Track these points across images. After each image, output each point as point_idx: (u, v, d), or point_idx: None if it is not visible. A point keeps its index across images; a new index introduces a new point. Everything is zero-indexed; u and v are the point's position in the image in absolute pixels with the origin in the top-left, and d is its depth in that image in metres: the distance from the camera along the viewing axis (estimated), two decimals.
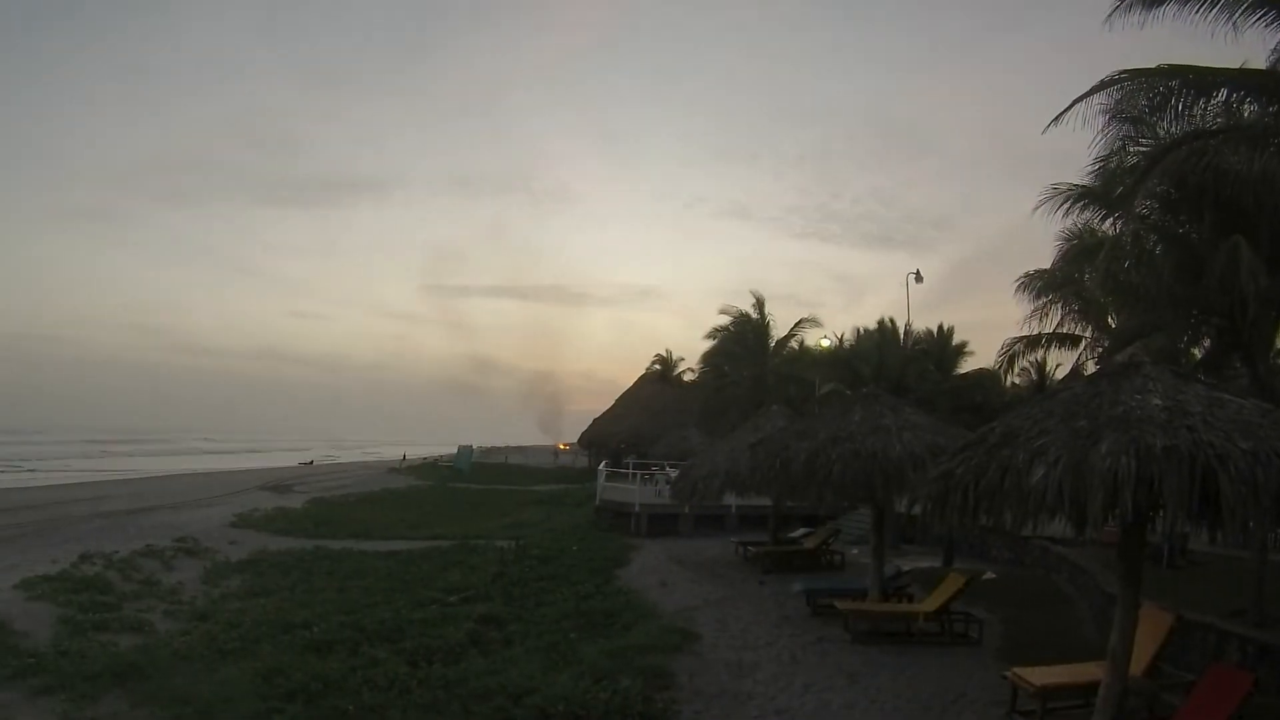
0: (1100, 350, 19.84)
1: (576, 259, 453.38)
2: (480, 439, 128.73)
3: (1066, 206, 17.79)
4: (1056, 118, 13.20)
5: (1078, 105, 13.11)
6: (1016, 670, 9.98)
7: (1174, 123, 13.52)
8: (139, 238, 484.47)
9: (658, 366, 68.79)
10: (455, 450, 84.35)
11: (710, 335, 47.72)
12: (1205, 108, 13.38)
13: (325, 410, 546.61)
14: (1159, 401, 7.59)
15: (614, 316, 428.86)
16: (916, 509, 11.85)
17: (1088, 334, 21.24)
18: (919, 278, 37.68)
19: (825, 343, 43.29)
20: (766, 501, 23.25)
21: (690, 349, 65.53)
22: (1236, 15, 12.62)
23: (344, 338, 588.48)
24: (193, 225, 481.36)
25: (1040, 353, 23.35)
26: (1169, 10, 12.87)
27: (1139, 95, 13.04)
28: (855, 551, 22.70)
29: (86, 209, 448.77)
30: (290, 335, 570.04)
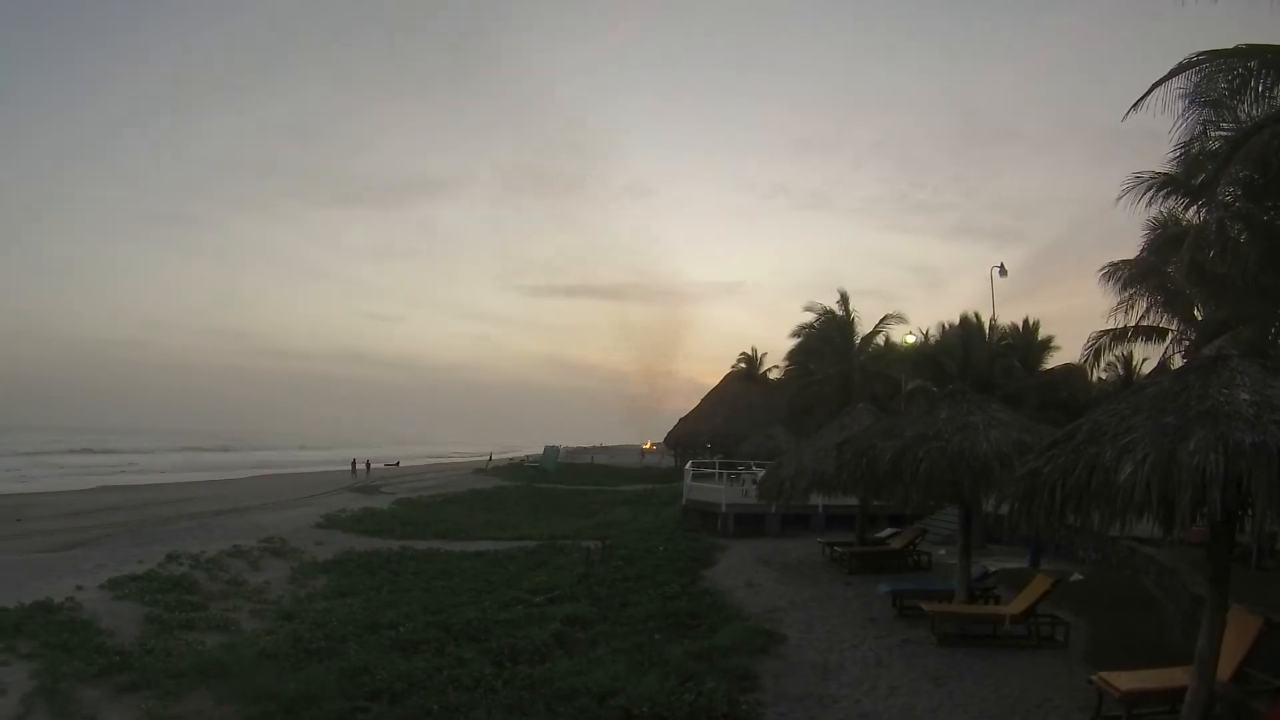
0: (1187, 343, 19.32)
1: (655, 255, 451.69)
2: (566, 439, 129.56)
3: (1150, 195, 17.38)
4: (1136, 103, 12.94)
5: (1157, 90, 12.84)
6: (1102, 674, 9.79)
7: (1255, 105, 13.16)
8: (215, 242, 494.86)
9: (743, 364, 68.65)
10: (541, 450, 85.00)
11: (795, 333, 47.65)
12: None
13: (408, 411, 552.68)
14: (1247, 396, 7.44)
15: (694, 313, 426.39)
16: (1003, 508, 11.70)
17: (1174, 326, 20.60)
18: (1003, 271, 37.04)
19: (910, 339, 42.82)
20: (853, 501, 23.11)
21: (770, 344, 65.48)
22: None
23: (423, 339, 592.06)
24: (266, 229, 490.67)
25: (1126, 346, 22.75)
26: None
27: (1218, 77, 12.72)
28: (942, 552, 22.41)
29: (165, 214, 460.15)
30: (368, 337, 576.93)
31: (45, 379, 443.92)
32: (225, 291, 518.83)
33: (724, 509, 28.40)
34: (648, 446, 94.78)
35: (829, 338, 45.18)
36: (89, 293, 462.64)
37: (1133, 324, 21.15)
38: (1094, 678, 9.88)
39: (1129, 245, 21.81)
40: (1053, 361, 34.50)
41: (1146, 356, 25.24)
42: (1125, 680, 9.53)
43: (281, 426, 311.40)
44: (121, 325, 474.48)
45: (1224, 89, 12.88)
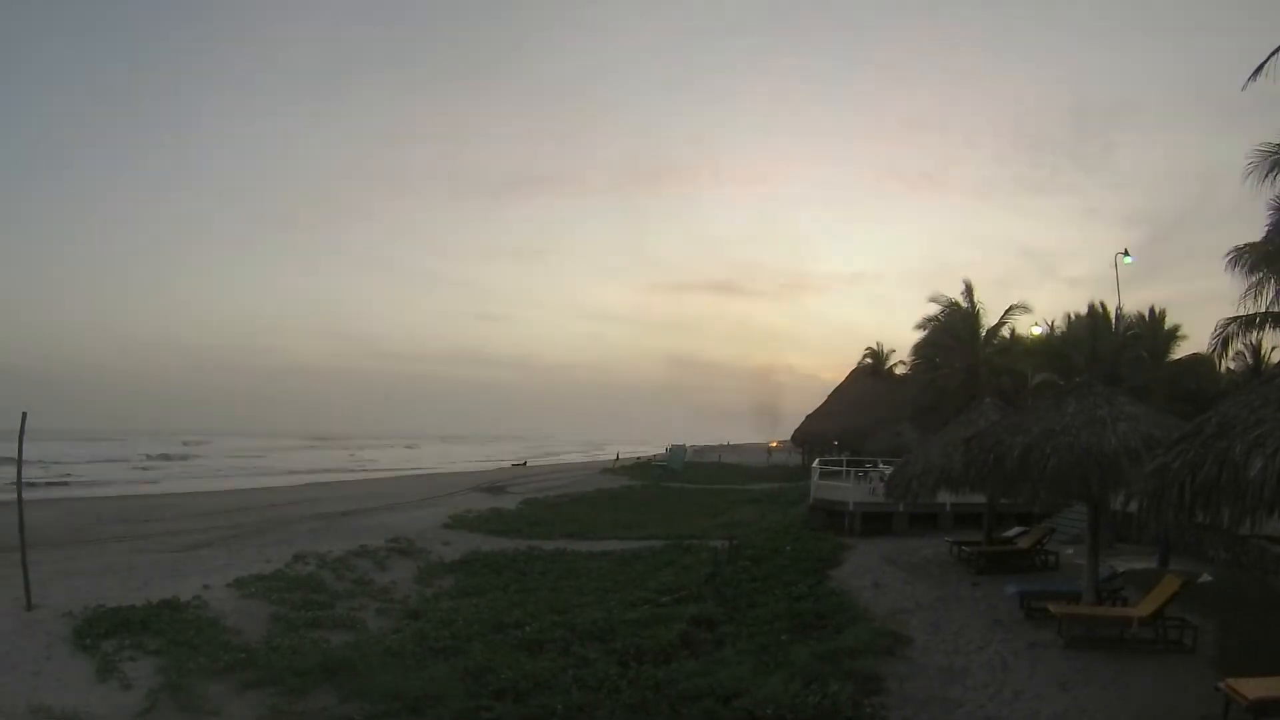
0: None
1: (770, 246, 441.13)
2: (693, 438, 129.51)
3: (1275, 173, 16.59)
4: (1256, 71, 12.40)
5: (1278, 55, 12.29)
6: (1229, 681, 9.42)
7: None
8: (326, 246, 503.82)
9: (869, 360, 67.89)
10: (668, 450, 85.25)
11: (920, 325, 46.79)
12: None
13: (529, 411, 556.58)
14: None
15: (812, 305, 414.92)
16: (1132, 506, 11.36)
17: None
18: (1127, 255, 35.71)
19: (1036, 330, 41.70)
20: (980, 499, 22.66)
21: (888, 337, 64.31)
22: None
23: (535, 338, 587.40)
24: (373, 232, 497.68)
25: (1256, 334, 21.78)
26: None
27: None
28: (1070, 552, 21.74)
29: (277, 220, 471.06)
30: (481, 337, 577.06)
31: (163, 384, 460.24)
32: (338, 295, 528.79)
33: (851, 508, 28.07)
34: (774, 445, 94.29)
35: (954, 331, 44.29)
36: (206, 300, 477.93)
37: (1261, 310, 20.25)
38: (1221, 685, 9.51)
39: (1255, 224, 20.89)
40: (1180, 351, 33.34)
41: (1276, 344, 24.16)
42: (1253, 688, 9.14)
43: (402, 428, 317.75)
44: (239, 331, 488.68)
45: None
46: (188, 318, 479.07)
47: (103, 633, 14.91)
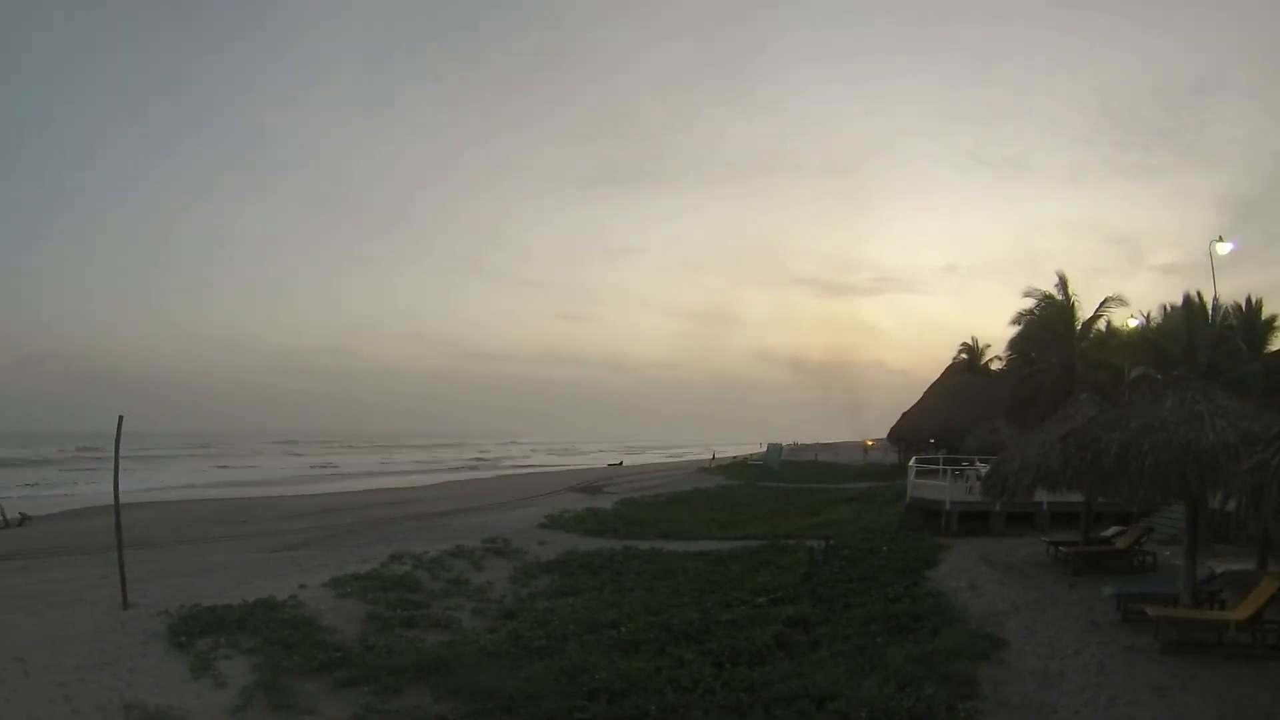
0: None
1: (857, 238, 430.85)
2: (789, 436, 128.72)
3: None
4: None
5: None
6: None
7: None
8: (412, 247, 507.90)
9: (964, 355, 66.83)
10: (764, 448, 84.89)
11: (1015, 320, 45.87)
12: None
13: (622, 411, 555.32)
14: None
15: (902, 299, 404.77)
16: (1230, 504, 11.03)
17: None
18: (1223, 241, 34.44)
19: (1132, 322, 40.54)
20: (1078, 498, 22.15)
21: (977, 328, 63.08)
22: None
23: (621, 337, 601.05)
24: (459, 232, 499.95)
25: None
26: None
27: None
28: (1168, 553, 21.04)
29: (366, 222, 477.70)
30: (567, 337, 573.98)
31: (256, 387, 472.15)
32: (425, 297, 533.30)
33: (948, 507, 27.56)
34: (870, 443, 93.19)
35: (1049, 325, 43.31)
36: (297, 303, 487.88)
37: None
38: None
39: None
40: (1278, 342, 32.14)
41: None
42: None
43: (494, 428, 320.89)
44: (329, 334, 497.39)
45: None
46: (277, 322, 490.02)
47: (198, 631, 15.15)
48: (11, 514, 40.34)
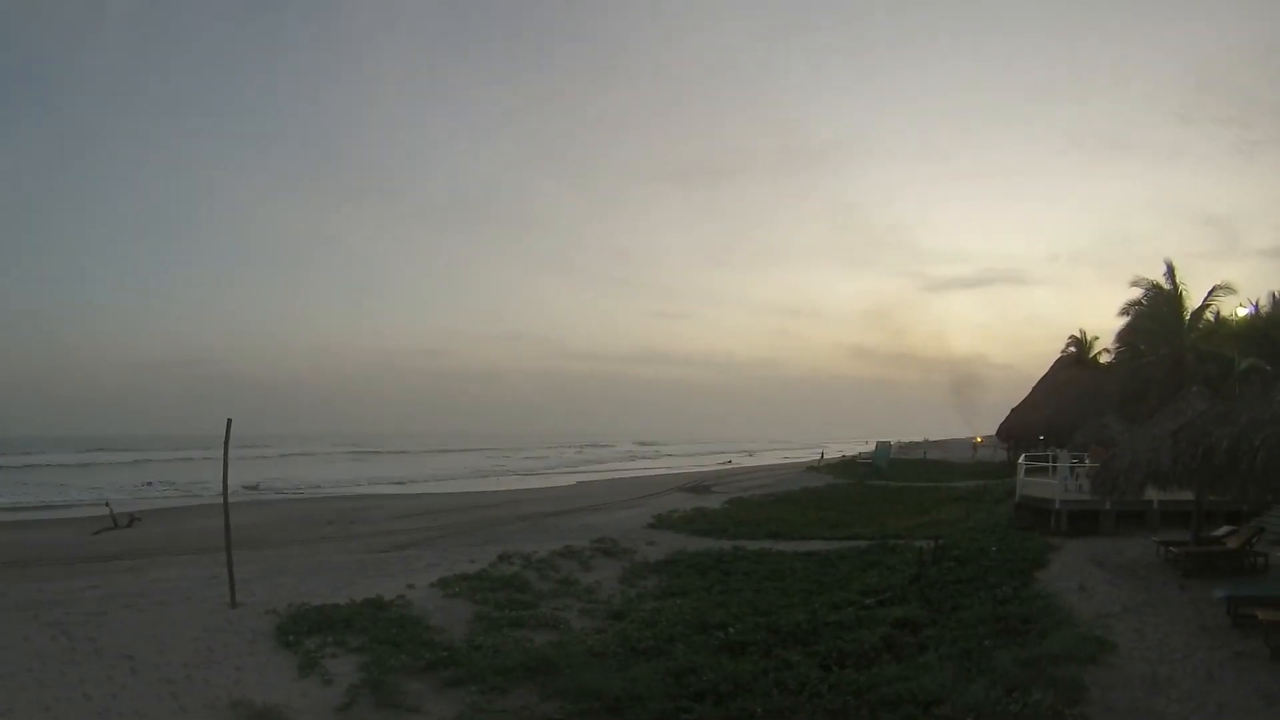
0: None
1: (950, 229, 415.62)
2: (897, 434, 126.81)
3: None
4: None
5: None
6: None
7: None
8: (505, 247, 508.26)
9: (1072, 348, 65.10)
10: (873, 447, 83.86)
11: (1123, 311, 44.41)
12: None
13: (727, 410, 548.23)
14: None
15: (1002, 292, 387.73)
16: None
17: None
18: None
19: (1241, 311, 38.93)
20: (1188, 496, 21.44)
21: (1082, 320, 60.90)
22: None
23: (719, 335, 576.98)
24: (550, 233, 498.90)
25: None
26: None
27: None
28: None
29: (458, 222, 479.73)
30: (663, 336, 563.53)
31: (347, 389, 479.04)
32: (520, 297, 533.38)
33: (1057, 506, 26.94)
34: (978, 440, 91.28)
35: (1158, 315, 41.79)
36: (391, 305, 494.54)
37: None
38: None
39: None
40: None
41: None
42: None
43: (599, 429, 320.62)
44: (422, 335, 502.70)
45: None
46: (372, 324, 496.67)
47: (306, 630, 15.14)
48: (121, 515, 40.85)
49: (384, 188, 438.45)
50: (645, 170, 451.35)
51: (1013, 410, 65.42)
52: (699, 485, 57.23)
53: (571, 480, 76.05)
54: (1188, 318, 41.45)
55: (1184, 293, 41.76)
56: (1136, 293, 43.13)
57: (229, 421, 17.56)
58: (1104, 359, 58.11)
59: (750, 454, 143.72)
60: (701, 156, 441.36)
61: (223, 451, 17.93)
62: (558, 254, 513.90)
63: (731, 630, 15.64)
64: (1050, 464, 32.47)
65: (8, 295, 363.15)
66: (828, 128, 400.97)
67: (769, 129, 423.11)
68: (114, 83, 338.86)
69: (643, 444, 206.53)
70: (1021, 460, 34.11)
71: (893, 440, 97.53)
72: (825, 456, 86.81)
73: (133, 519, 40.86)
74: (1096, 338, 62.84)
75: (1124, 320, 44.78)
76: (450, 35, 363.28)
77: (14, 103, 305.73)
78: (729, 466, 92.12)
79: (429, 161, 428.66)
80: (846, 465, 76.41)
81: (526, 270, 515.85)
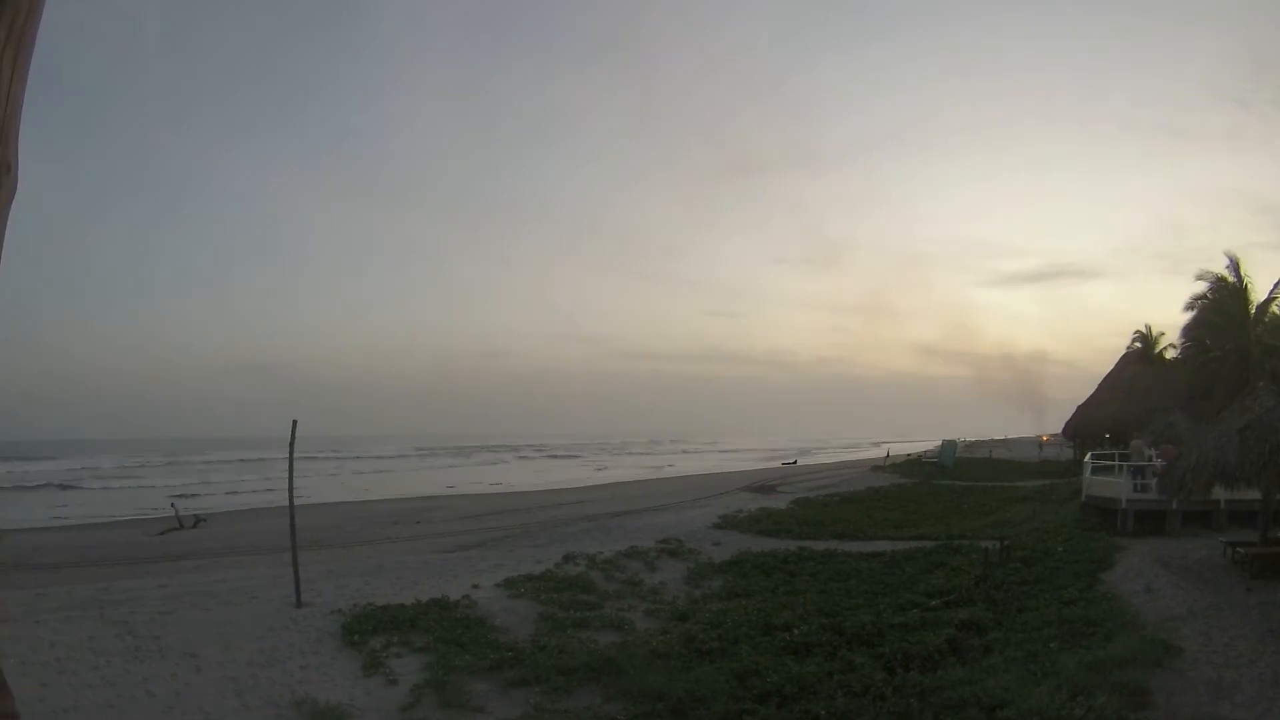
0: None
1: (1005, 221, 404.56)
2: (962, 432, 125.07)
3: None
4: None
5: None
6: None
7: None
8: (562, 247, 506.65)
9: (1138, 344, 63.64)
10: (938, 445, 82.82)
11: (1189, 305, 43.24)
12: None
13: (789, 409, 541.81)
14: None
15: (1062, 286, 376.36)
16: None
17: None
18: None
19: None
20: (1256, 495, 20.90)
21: (1140, 313, 59.30)
22: None
23: (775, 333, 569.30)
24: (606, 232, 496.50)
25: None
26: None
27: None
28: None
29: (515, 223, 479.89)
30: (722, 335, 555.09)
31: (413, 390, 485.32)
32: (578, 298, 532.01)
33: (1123, 505, 26.40)
34: (1044, 439, 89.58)
35: (1223, 309, 40.63)
36: (454, 307, 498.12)
37: None
38: None
39: None
40: None
41: None
42: None
43: (661, 429, 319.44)
44: (487, 336, 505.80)
45: None
46: (438, 325, 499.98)
47: (370, 629, 15.07)
48: (186, 516, 40.84)
49: (442, 193, 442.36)
50: (703, 168, 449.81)
51: (1079, 408, 64.08)
52: (764, 485, 56.35)
53: (636, 480, 75.38)
54: (1253, 311, 40.32)
55: (1249, 285, 40.65)
56: (1201, 286, 42.09)
57: (294, 424, 17.69)
58: (1170, 354, 56.75)
59: (815, 453, 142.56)
60: (756, 153, 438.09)
61: (288, 453, 18.09)
62: (617, 254, 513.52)
63: (796, 632, 15.47)
64: (1116, 463, 31.91)
65: (79, 302, 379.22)
66: (883, 122, 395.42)
67: (822, 123, 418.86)
68: (169, 101, 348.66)
69: (706, 443, 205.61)
70: (1087, 459, 33.48)
71: (958, 439, 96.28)
72: (891, 455, 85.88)
73: (198, 520, 40.88)
74: (1162, 333, 61.37)
75: (1189, 315, 43.74)
76: (504, 40, 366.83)
77: (79, 117, 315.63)
78: (794, 466, 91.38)
79: (489, 166, 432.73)
80: (912, 464, 75.34)
81: (586, 270, 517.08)
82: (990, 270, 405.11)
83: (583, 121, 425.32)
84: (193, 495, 59.32)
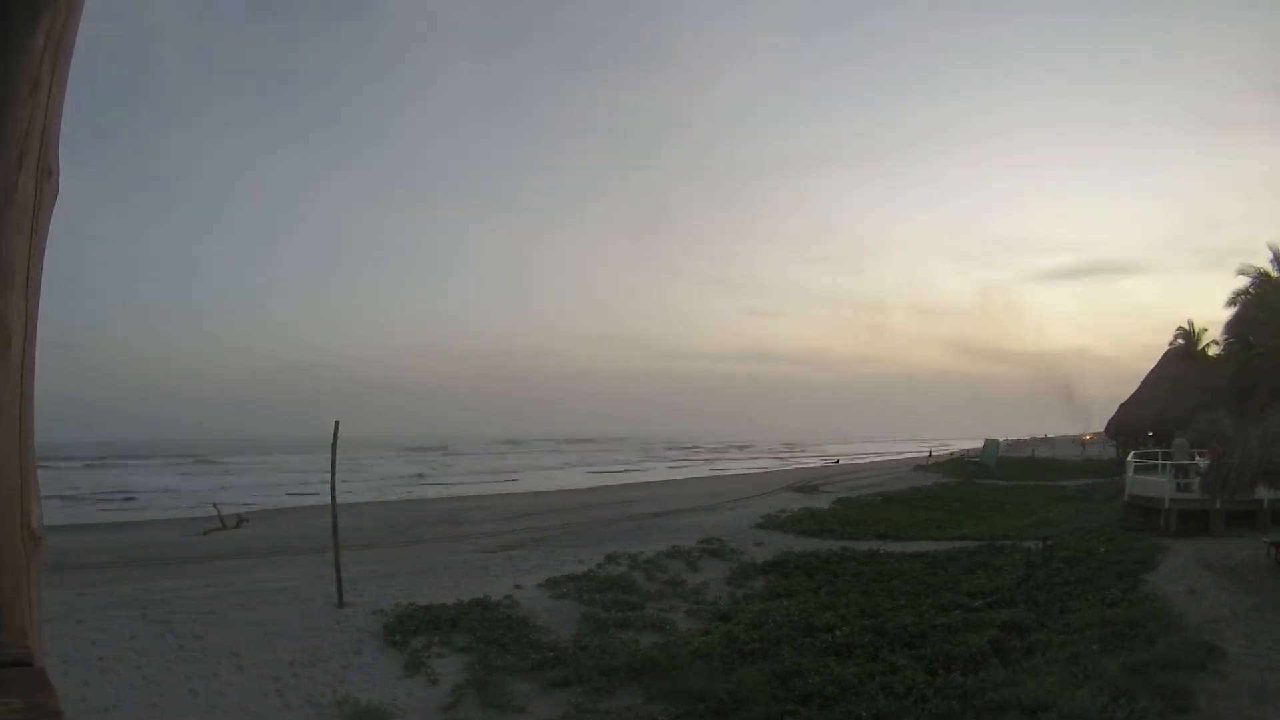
0: None
1: (1044, 214, 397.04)
2: (1004, 431, 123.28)
3: None
4: None
5: None
6: None
7: None
8: (602, 246, 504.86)
9: (1180, 341, 62.55)
10: (981, 444, 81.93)
11: (1230, 301, 42.34)
12: None
13: (830, 408, 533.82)
14: None
15: (1098, 282, 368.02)
16: None
17: None
18: None
19: None
20: None
21: (1180, 307, 58.18)
22: None
23: (821, 332, 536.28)
24: (644, 232, 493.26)
25: None
26: None
27: None
28: None
29: (550, 228, 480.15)
30: (760, 334, 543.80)
31: (456, 390, 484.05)
32: (622, 298, 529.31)
33: (1166, 505, 25.96)
34: (1087, 438, 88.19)
35: (1266, 304, 39.66)
36: (497, 308, 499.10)
37: None
38: None
39: None
40: None
41: None
42: None
43: (702, 429, 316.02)
44: (530, 336, 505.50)
45: None
46: (481, 326, 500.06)
47: (412, 629, 14.94)
48: (229, 516, 40.08)
49: (482, 193, 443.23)
50: (740, 165, 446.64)
51: (1121, 406, 63.12)
52: (807, 484, 55.57)
53: (678, 480, 74.65)
54: None
55: None
56: (1243, 281, 41.21)
57: (336, 424, 17.72)
58: (1213, 351, 55.71)
59: (857, 452, 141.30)
60: (788, 150, 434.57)
61: (330, 453, 18.05)
62: (657, 253, 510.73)
63: (838, 632, 15.32)
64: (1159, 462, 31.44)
65: (121, 306, 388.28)
66: (916, 116, 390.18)
67: (857, 118, 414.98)
68: (202, 108, 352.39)
69: (746, 442, 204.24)
70: (1130, 458, 32.98)
71: (1000, 438, 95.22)
72: (933, 454, 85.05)
73: (240, 519, 40.30)
74: (1205, 329, 60.19)
75: (1231, 310, 42.85)
76: (531, 42, 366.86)
77: (113, 125, 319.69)
78: (836, 465, 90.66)
79: (525, 166, 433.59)
80: (955, 463, 74.60)
81: (625, 269, 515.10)
82: (1028, 266, 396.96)
83: (621, 122, 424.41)
84: (234, 495, 58.75)
